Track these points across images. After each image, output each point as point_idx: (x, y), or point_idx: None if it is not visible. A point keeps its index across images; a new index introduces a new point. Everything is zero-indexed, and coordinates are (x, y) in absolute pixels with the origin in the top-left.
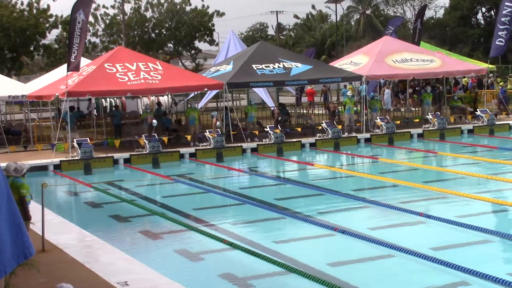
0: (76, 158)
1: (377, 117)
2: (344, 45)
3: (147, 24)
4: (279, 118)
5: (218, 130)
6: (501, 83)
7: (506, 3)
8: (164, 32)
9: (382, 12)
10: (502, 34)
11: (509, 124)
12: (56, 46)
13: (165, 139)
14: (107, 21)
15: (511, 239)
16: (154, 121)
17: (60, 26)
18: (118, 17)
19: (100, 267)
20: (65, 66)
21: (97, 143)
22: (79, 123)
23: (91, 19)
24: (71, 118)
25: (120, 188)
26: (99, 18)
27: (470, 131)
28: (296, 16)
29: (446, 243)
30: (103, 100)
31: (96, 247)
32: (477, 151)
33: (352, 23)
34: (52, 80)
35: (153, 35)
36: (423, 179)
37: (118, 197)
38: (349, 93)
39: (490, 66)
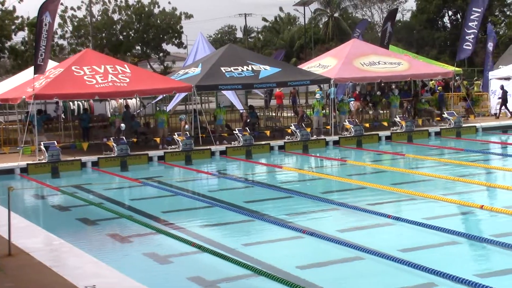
0: (43, 161)
1: (346, 120)
2: (313, 47)
3: (115, 26)
4: (248, 121)
5: (187, 133)
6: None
7: (474, 8)
8: (132, 35)
9: (350, 15)
10: (469, 38)
11: (475, 126)
12: (23, 48)
13: (134, 141)
14: (75, 23)
15: (478, 240)
16: (122, 124)
17: (26, 28)
18: (86, 19)
19: (68, 271)
20: (32, 68)
21: (65, 146)
22: (46, 126)
23: (59, 21)
24: (38, 121)
25: (88, 191)
26: (67, 20)
27: (437, 134)
28: (264, 19)
29: (414, 244)
30: (70, 103)
31: (63, 250)
32: (444, 153)
33: (321, 26)
34: (19, 83)
35: (121, 37)
36: (391, 181)
37: (86, 200)
38: (317, 95)
39: (457, 69)
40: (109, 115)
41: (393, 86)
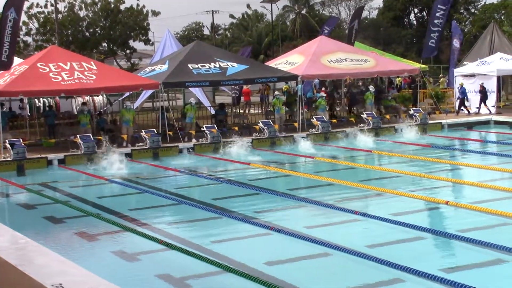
0: (9, 159)
1: (325, 116)
2: (280, 45)
3: (81, 23)
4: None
5: (154, 130)
6: (461, 83)
7: (439, 6)
8: (99, 31)
9: (317, 12)
10: (434, 36)
11: (441, 123)
12: None
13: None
14: (41, 20)
15: (443, 236)
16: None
17: None
18: (52, 16)
19: (34, 270)
20: None
21: (31, 144)
22: (11, 123)
23: (24, 18)
24: (3, 118)
25: (55, 189)
26: (33, 17)
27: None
28: (231, 16)
29: (381, 240)
30: (36, 100)
31: (30, 249)
32: (411, 149)
33: (288, 23)
34: None
35: (87, 34)
36: (358, 177)
37: (53, 198)
38: (276, 92)
39: (423, 66)
40: (76, 113)
41: (360, 83)
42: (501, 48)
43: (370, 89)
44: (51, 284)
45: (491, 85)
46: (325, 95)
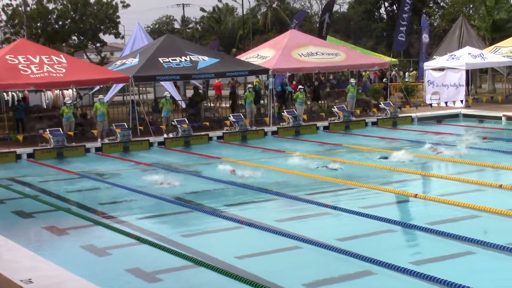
0: None
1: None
2: (251, 38)
3: (50, 16)
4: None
5: (125, 124)
6: None
7: (407, 1)
8: (68, 24)
9: (288, 5)
10: (403, 30)
11: (411, 116)
12: None
13: (71, 133)
14: (9, 13)
15: (413, 228)
16: None
17: None
18: (20, 9)
19: (3, 265)
20: None
21: None
22: None
23: None
24: None
25: (24, 184)
26: (1, 10)
27: (374, 124)
28: (202, 9)
29: (352, 233)
30: (4, 93)
31: None
32: (381, 143)
33: (259, 16)
34: None
35: (56, 27)
36: (328, 171)
37: (22, 193)
38: (249, 86)
39: (393, 60)
40: (45, 106)
41: (331, 77)
42: (470, 42)
43: (351, 82)
44: (20, 279)
45: (461, 79)
46: (303, 88)
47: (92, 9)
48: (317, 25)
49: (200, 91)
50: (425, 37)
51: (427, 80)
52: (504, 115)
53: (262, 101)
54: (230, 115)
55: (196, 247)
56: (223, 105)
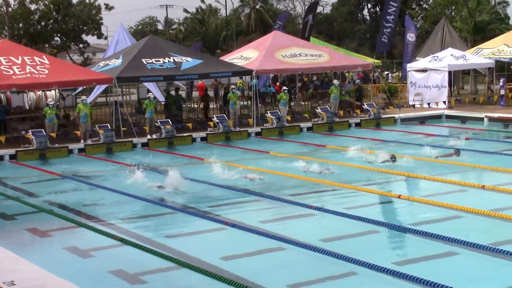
0: None
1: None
2: (235, 39)
3: (32, 16)
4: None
5: (107, 125)
6: None
7: (391, 2)
8: (51, 25)
9: (271, 7)
10: (387, 32)
11: (394, 117)
12: None
13: (53, 134)
14: None
15: (396, 229)
16: None
17: None
18: (2, 9)
19: None
20: None
21: None
22: None
23: None
24: None
25: (6, 186)
26: None
27: (357, 124)
28: (185, 10)
29: (335, 234)
30: None
31: None
32: (364, 144)
33: (243, 17)
34: None
35: (39, 27)
36: (312, 172)
37: (4, 194)
38: (232, 87)
39: (376, 61)
40: (27, 107)
41: (315, 78)
42: (452, 44)
43: (335, 83)
44: (2, 282)
45: (443, 80)
46: (286, 89)
47: (75, 10)
48: (301, 26)
49: (172, 92)
50: (411, 37)
51: (410, 81)
52: (486, 116)
53: (245, 102)
54: (214, 116)
55: (180, 248)
56: (211, 106)
